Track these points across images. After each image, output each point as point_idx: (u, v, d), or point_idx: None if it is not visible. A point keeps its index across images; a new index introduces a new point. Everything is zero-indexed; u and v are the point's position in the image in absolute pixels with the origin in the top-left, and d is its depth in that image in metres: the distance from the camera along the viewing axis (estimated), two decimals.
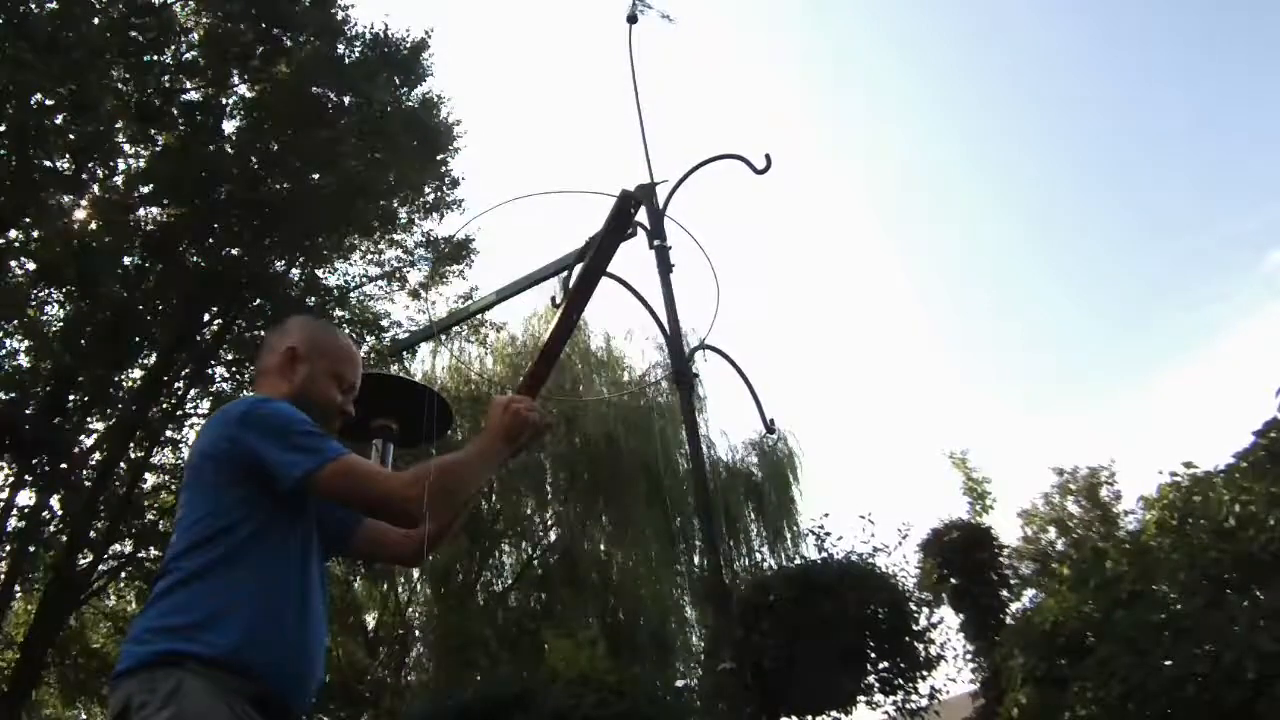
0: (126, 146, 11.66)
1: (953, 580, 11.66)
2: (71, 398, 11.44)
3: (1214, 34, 36.56)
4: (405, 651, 16.44)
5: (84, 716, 16.68)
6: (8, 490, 10.96)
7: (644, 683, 9.47)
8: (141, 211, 12.09)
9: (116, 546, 12.17)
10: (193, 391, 12.84)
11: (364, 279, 13.97)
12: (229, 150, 11.84)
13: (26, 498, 11.16)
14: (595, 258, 1.89)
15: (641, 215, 4.98)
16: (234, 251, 12.17)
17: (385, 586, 16.25)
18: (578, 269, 3.94)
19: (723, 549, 13.75)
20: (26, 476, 10.84)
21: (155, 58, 11.33)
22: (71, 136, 10.37)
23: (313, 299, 12.78)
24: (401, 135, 12.33)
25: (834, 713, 10.06)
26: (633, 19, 5.40)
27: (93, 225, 11.27)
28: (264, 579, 1.56)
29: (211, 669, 1.47)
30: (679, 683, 13.59)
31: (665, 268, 4.89)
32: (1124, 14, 37.86)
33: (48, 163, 10.36)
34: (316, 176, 12.08)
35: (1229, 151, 37.39)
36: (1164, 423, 37.81)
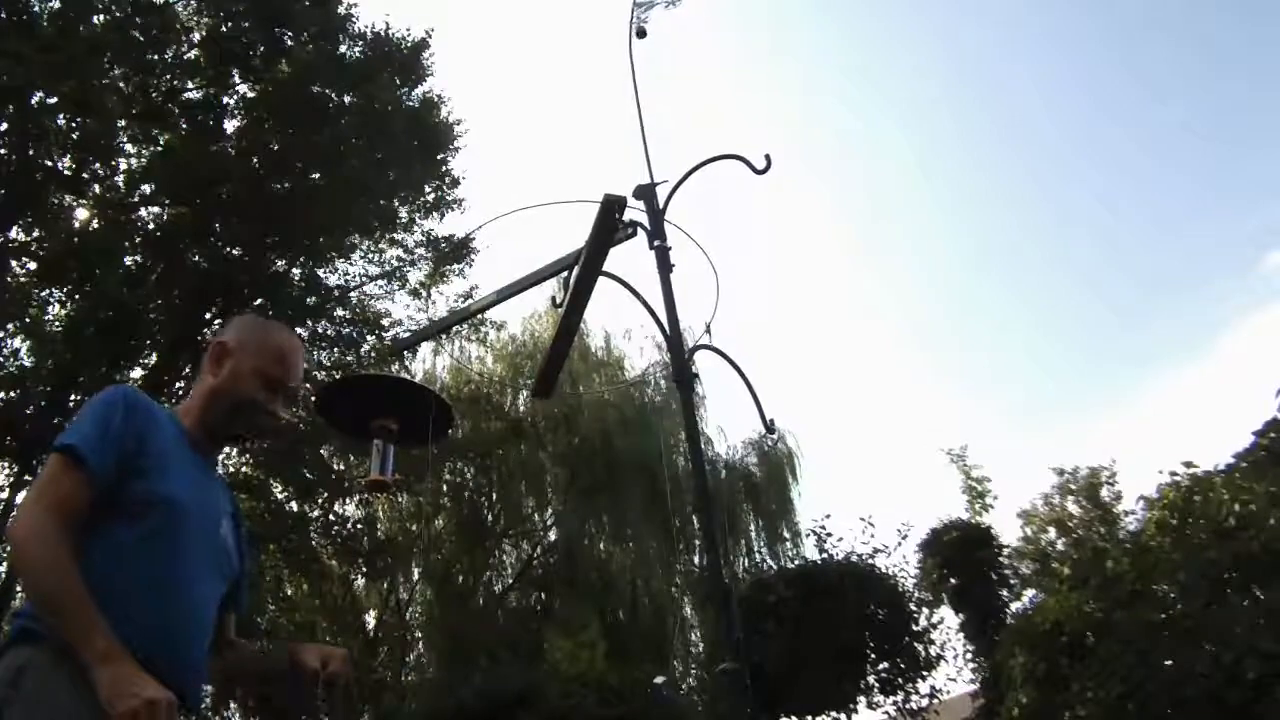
0: (128, 146, 11.67)
1: (953, 580, 11.67)
2: (72, 398, 11.44)
3: (1215, 34, 36.56)
4: (405, 651, 16.45)
5: None
6: (8, 490, 10.96)
7: (644, 683, 9.48)
8: (142, 211, 12.10)
9: None
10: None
11: (364, 278, 13.98)
12: (230, 150, 11.85)
13: None
14: (586, 261, 1.91)
15: (641, 215, 4.98)
16: (235, 251, 12.17)
17: (385, 586, 16.27)
18: (577, 270, 3.95)
19: (723, 549, 13.75)
20: (26, 476, 10.84)
21: (157, 57, 11.33)
22: (73, 136, 10.38)
23: (313, 298, 12.79)
24: (402, 135, 12.33)
25: (834, 713, 10.08)
26: (642, 34, 5.38)
27: (93, 225, 11.28)
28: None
29: (59, 646, 1.50)
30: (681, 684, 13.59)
31: (665, 268, 4.88)
32: (1124, 13, 37.85)
33: (49, 162, 10.37)
34: (317, 176, 12.09)
35: (1229, 151, 37.38)
36: (1164, 423, 37.79)
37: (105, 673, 1.42)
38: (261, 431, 1.95)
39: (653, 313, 4.87)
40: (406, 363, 14.23)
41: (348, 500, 14.04)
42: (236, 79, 12.02)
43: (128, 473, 1.65)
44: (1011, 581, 12.60)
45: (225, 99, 12.04)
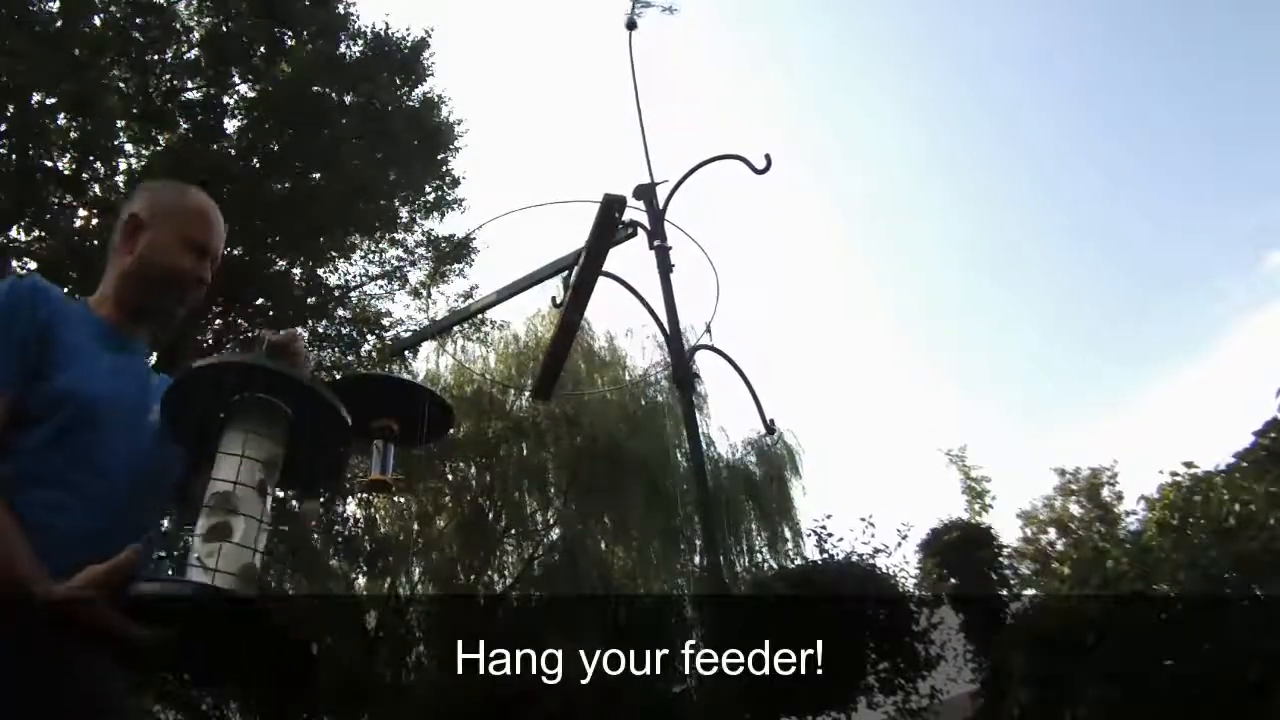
0: (128, 146, 11.68)
1: (953, 580, 11.67)
2: None
3: (1215, 33, 36.56)
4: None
5: None
6: None
7: (644, 683, 9.48)
8: None
9: None
10: None
11: (364, 278, 14.00)
12: (230, 150, 11.86)
13: None
14: (587, 261, 1.91)
15: (641, 216, 4.98)
16: (235, 251, 12.18)
17: (386, 586, 16.27)
18: (577, 269, 3.95)
19: (722, 548, 13.78)
20: None
21: (157, 57, 11.34)
22: (73, 136, 10.39)
23: (313, 298, 12.81)
24: (402, 135, 12.34)
25: (834, 712, 10.08)
26: (632, 25, 5.39)
27: (93, 224, 11.29)
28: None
29: None
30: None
31: (665, 268, 4.89)
32: (1125, 13, 37.86)
33: (48, 162, 10.38)
34: (317, 176, 12.10)
35: (1229, 151, 37.37)
36: (1164, 423, 37.77)
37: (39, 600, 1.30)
38: (192, 302, 1.80)
39: (653, 313, 4.88)
40: (408, 362, 14.24)
41: (348, 500, 14.07)
42: (236, 79, 12.02)
43: (34, 373, 1.53)
44: (1011, 581, 12.60)
45: (225, 99, 12.05)
